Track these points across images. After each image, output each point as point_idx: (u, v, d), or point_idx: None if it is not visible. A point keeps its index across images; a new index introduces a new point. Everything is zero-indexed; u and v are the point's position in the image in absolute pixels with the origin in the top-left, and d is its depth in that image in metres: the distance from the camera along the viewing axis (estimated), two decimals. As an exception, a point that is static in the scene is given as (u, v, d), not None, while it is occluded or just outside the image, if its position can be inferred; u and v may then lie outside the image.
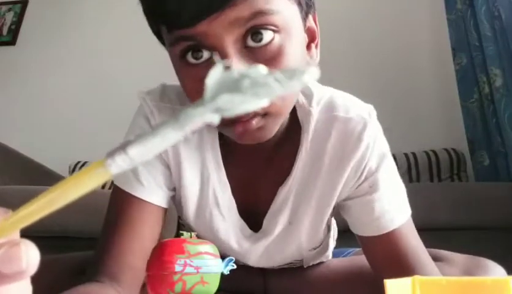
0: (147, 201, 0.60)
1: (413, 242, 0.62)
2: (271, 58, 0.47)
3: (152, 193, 0.61)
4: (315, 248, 0.72)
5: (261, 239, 0.66)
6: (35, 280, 0.22)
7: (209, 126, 0.61)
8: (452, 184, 1.80)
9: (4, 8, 2.72)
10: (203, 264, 0.49)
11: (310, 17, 0.56)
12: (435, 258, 0.68)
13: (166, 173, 0.63)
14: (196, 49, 0.47)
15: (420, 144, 1.91)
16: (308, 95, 0.62)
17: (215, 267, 0.50)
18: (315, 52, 0.58)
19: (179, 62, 0.50)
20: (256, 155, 0.62)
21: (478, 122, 1.84)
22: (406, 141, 1.89)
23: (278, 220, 0.64)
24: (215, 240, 0.66)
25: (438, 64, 2.09)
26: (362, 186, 0.61)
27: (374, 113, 0.62)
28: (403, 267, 0.59)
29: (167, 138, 0.19)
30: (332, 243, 0.78)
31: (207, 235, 0.67)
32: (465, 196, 1.42)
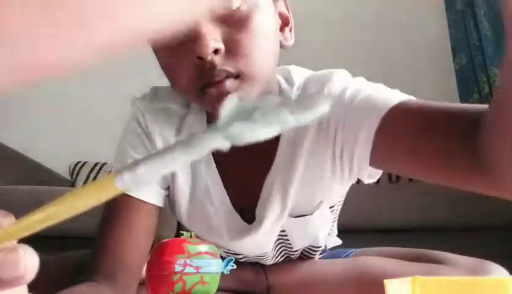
0: (141, 200, 0.61)
1: (432, 103, 0.52)
2: (238, 22, 0.50)
3: (147, 192, 0.62)
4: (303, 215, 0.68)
5: (253, 230, 0.65)
6: (33, 279, 0.22)
7: (195, 117, 0.63)
8: (452, 184, 1.79)
9: (4, 8, 2.72)
10: (202, 264, 0.49)
11: (282, 3, 0.61)
12: (439, 261, 0.68)
13: None
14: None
15: (420, 144, 1.91)
16: (290, 81, 0.64)
17: (215, 267, 0.50)
18: (289, 34, 0.61)
19: (162, 49, 0.53)
20: (244, 145, 0.61)
21: (478, 122, 1.84)
22: (406, 141, 1.88)
23: (268, 210, 0.63)
24: (208, 234, 0.66)
25: (438, 64, 2.09)
26: (340, 109, 0.57)
27: (342, 74, 0.62)
28: (440, 124, 0.49)
29: (176, 160, 0.19)
30: (323, 232, 0.73)
31: (201, 230, 0.67)
32: (465, 196, 1.42)
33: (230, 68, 0.50)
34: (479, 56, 1.82)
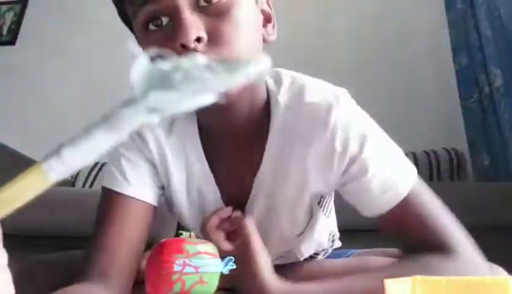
0: (136, 198, 0.61)
1: (428, 204, 0.61)
2: (220, 14, 0.52)
3: (140, 190, 0.62)
4: (299, 235, 0.71)
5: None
6: (28, 278, 0.21)
7: (185, 118, 0.63)
8: (452, 184, 1.79)
9: (4, 8, 2.72)
10: (201, 264, 0.49)
11: (264, 1, 0.63)
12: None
13: (153, 171, 0.64)
14: (156, 17, 0.53)
15: (420, 144, 1.91)
16: (278, 82, 0.64)
17: (214, 267, 0.50)
18: (272, 30, 0.63)
19: (143, 35, 0.54)
20: (234, 144, 0.63)
21: (478, 122, 1.84)
22: (406, 141, 1.88)
23: (255, 208, 0.64)
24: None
25: (438, 64, 2.09)
26: (352, 170, 0.59)
27: (344, 96, 0.61)
28: (426, 233, 0.59)
29: (101, 142, 0.17)
30: (325, 235, 0.76)
31: (198, 227, 0.67)
32: (465, 196, 1.42)
33: (213, 55, 0.50)
34: (479, 56, 1.82)
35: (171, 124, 0.64)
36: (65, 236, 1.25)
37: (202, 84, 0.16)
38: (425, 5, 2.16)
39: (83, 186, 1.99)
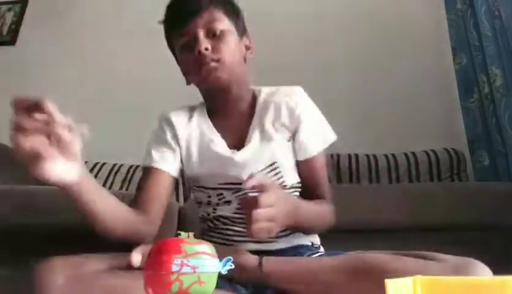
0: (158, 168, 0.98)
1: (323, 172, 1.01)
2: (218, 39, 0.96)
3: (161, 163, 0.99)
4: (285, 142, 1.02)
5: (243, 149, 0.99)
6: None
7: (200, 110, 1.08)
8: (452, 184, 1.79)
9: (4, 8, 2.72)
10: (199, 264, 0.48)
11: (246, 39, 1.06)
12: (426, 258, 0.70)
13: (171, 151, 1.01)
14: (187, 44, 0.97)
15: (420, 144, 1.91)
16: (260, 90, 1.07)
17: (212, 267, 0.50)
18: (250, 55, 1.07)
19: (182, 54, 1.00)
20: (232, 117, 1.03)
21: (478, 122, 1.84)
22: (406, 141, 1.88)
23: (251, 144, 0.99)
24: (215, 161, 0.98)
25: (438, 64, 2.09)
26: (296, 115, 0.99)
27: (299, 88, 1.05)
28: (314, 192, 0.98)
29: None
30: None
31: (209, 164, 0.99)
32: (465, 196, 1.42)
33: (214, 56, 0.94)
34: (479, 56, 1.82)
35: (190, 115, 1.06)
36: (65, 237, 1.25)
37: None
38: (425, 5, 2.16)
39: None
